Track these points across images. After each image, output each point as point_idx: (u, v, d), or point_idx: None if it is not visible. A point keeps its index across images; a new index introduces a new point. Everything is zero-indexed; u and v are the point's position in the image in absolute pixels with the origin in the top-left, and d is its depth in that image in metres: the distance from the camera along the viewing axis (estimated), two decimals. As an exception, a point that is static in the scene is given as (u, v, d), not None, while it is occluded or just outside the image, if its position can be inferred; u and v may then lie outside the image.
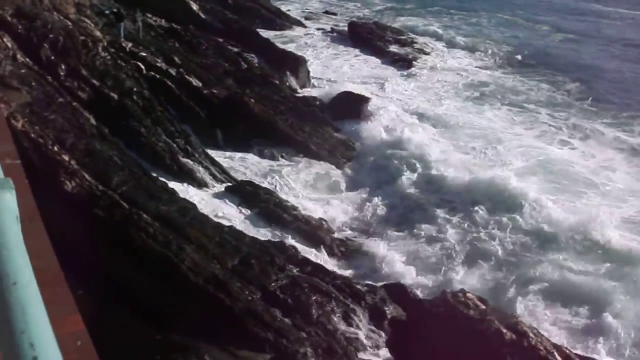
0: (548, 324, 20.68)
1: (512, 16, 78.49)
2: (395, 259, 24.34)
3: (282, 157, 32.23)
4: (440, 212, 27.00)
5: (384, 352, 18.95)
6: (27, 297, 2.02)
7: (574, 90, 48.06)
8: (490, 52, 59.18)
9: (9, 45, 27.54)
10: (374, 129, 35.36)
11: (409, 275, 23.28)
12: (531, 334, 17.22)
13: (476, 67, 54.88)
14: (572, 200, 28.91)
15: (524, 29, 72.48)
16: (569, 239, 24.75)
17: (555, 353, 16.98)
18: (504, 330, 17.14)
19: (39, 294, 2.09)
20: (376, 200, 28.72)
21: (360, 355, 19.36)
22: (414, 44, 59.76)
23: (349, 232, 26.96)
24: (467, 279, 22.83)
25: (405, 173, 30.44)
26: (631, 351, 19.91)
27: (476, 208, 26.87)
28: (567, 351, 17.45)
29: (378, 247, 25.20)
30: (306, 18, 69.46)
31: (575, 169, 32.80)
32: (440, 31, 67.36)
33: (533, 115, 42.44)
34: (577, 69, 54.20)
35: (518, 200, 27.05)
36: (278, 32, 60.24)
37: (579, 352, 18.71)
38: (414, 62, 54.41)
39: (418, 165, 30.79)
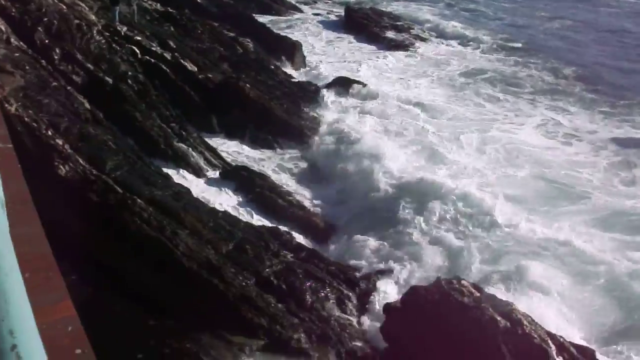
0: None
1: (510, 3, 78.42)
2: (373, 246, 24.26)
3: (276, 143, 32.21)
4: (398, 206, 26.62)
5: (378, 338, 18.94)
6: (8, 284, 1.97)
7: (571, 78, 47.85)
8: (487, 38, 59.07)
9: (3, 28, 27.41)
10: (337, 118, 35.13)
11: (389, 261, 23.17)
12: (525, 322, 17.22)
13: (473, 53, 54.78)
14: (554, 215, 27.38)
15: (522, 15, 72.46)
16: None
17: (549, 341, 16.99)
18: (499, 318, 17.14)
19: (22, 281, 2.04)
20: (340, 189, 28.79)
21: (354, 342, 19.37)
22: (411, 30, 59.72)
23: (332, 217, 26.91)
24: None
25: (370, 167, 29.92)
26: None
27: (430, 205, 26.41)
28: (561, 339, 17.45)
29: (363, 235, 25.04)
30: (303, 3, 69.36)
31: (570, 174, 31.64)
32: (437, 17, 67.38)
33: (529, 103, 42.27)
34: (575, 57, 54.18)
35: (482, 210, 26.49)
36: (274, 17, 60.38)
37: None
38: (410, 48, 54.45)
39: (378, 163, 29.74)
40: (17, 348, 1.78)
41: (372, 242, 24.22)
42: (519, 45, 57.68)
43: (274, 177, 28.83)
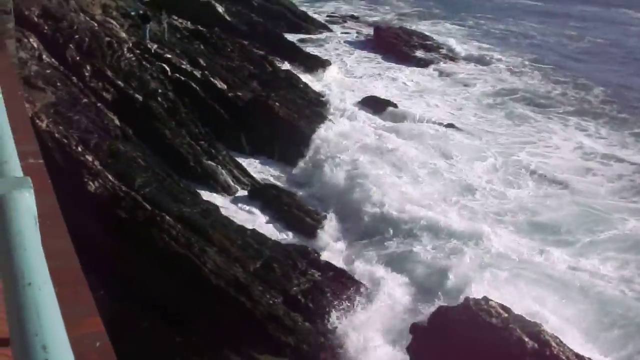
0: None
1: (539, 23, 78.08)
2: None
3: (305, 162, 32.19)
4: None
5: (405, 358, 18.84)
6: (41, 298, 1.97)
7: (601, 98, 47.26)
8: (517, 57, 58.61)
9: (35, 45, 27.70)
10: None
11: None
12: (553, 343, 17.09)
13: (502, 73, 54.31)
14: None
15: (551, 34, 71.97)
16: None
17: (578, 362, 16.87)
18: (526, 339, 17.02)
19: (54, 296, 2.04)
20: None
21: (381, 361, 19.29)
22: (440, 49, 59.47)
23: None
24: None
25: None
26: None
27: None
28: (590, 361, 17.32)
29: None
30: (332, 22, 69.44)
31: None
32: (466, 37, 67.14)
33: (560, 124, 41.74)
34: (605, 76, 53.62)
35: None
36: (304, 36, 60.35)
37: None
38: (439, 67, 54.20)
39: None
40: None
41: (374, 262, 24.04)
42: (549, 64, 57.22)
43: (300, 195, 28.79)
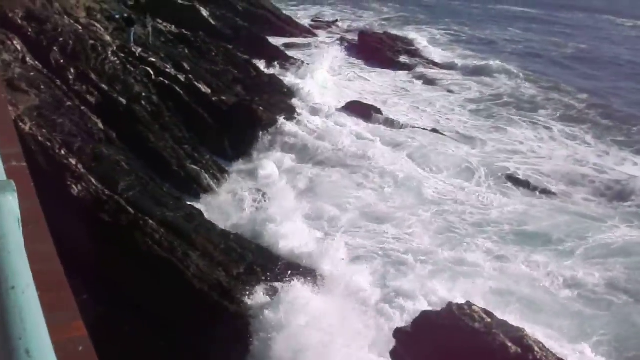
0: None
1: (524, 30, 78.40)
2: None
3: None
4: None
5: (388, 362, 18.82)
6: (25, 301, 1.97)
7: (587, 104, 47.13)
8: (501, 64, 58.42)
9: (19, 47, 27.58)
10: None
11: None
12: (536, 348, 17.10)
13: (487, 79, 54.22)
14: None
15: (537, 41, 72.35)
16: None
17: (561, 367, 16.89)
18: (509, 344, 17.02)
19: (37, 299, 2.04)
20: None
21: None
22: (425, 55, 59.59)
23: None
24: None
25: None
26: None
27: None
28: (572, 366, 17.37)
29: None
30: (316, 27, 69.52)
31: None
32: (451, 42, 67.36)
33: (546, 130, 41.72)
34: (589, 83, 53.99)
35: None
36: (288, 40, 60.36)
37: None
38: (423, 73, 54.19)
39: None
40: None
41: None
42: (534, 70, 57.38)
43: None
